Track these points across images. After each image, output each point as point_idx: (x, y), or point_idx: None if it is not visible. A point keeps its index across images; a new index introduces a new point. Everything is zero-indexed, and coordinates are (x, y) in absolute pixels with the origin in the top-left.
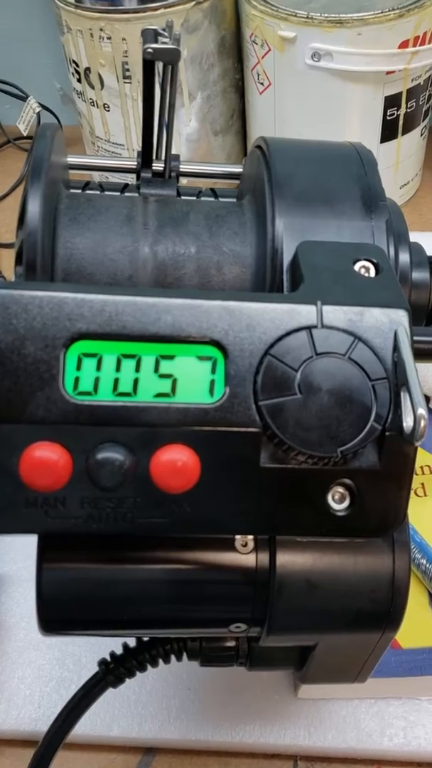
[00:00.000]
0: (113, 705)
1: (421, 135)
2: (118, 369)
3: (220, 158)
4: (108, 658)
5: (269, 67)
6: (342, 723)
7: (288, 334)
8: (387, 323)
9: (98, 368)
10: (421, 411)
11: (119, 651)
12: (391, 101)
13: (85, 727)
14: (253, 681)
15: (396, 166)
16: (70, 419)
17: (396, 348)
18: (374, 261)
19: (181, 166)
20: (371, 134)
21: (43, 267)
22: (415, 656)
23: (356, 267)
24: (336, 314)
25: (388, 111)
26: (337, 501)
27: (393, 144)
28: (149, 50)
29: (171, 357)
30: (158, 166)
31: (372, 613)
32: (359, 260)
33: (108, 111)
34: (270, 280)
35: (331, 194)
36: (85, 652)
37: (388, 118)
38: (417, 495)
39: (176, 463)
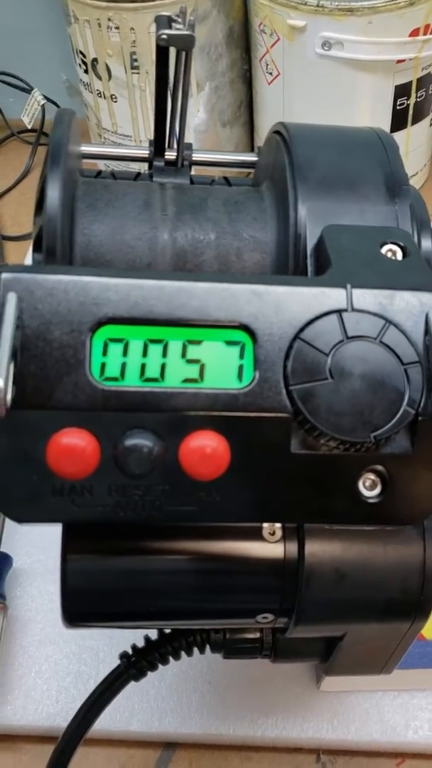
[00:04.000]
0: (132, 699)
1: (431, 125)
2: (144, 354)
3: (228, 149)
4: (130, 651)
5: (278, 56)
6: (365, 716)
7: (318, 317)
8: (418, 306)
9: (125, 353)
10: None
11: (139, 644)
12: (402, 90)
13: (104, 722)
14: (274, 674)
15: (405, 156)
16: (97, 405)
17: (427, 331)
18: (401, 244)
19: (193, 155)
20: (381, 124)
21: (62, 253)
22: None
23: (383, 250)
24: (366, 297)
25: (398, 100)
26: (369, 488)
27: (402, 134)
28: (163, 36)
29: (198, 342)
30: (170, 154)
31: (402, 603)
32: (386, 243)
33: (115, 102)
34: (293, 265)
35: (353, 178)
36: (103, 646)
37: (398, 107)
38: None
39: (205, 449)
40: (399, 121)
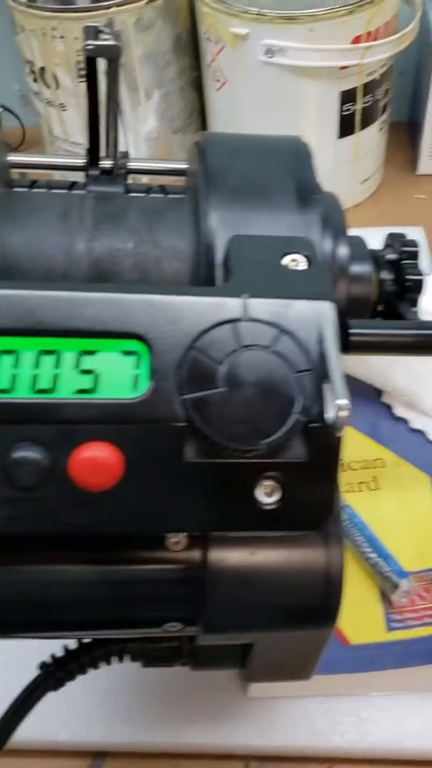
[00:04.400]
0: (61, 708)
1: (380, 130)
2: (37, 365)
3: (180, 156)
4: (49, 660)
5: (224, 64)
6: (292, 721)
7: (212, 327)
8: (313, 315)
9: (16, 365)
10: (342, 402)
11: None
12: (347, 96)
13: (31, 732)
14: (204, 681)
15: (355, 161)
16: None
17: (321, 340)
18: (304, 254)
19: (129, 164)
20: (328, 129)
21: None
22: (365, 652)
23: (286, 260)
24: (261, 307)
25: (344, 106)
26: (267, 495)
27: (351, 139)
28: (90, 47)
29: (93, 352)
30: (107, 163)
31: (307, 609)
32: (289, 253)
33: (65, 110)
34: (205, 275)
35: (265, 187)
36: (36, 654)
37: (344, 113)
38: (369, 489)
39: (96, 460)
40: (346, 126)
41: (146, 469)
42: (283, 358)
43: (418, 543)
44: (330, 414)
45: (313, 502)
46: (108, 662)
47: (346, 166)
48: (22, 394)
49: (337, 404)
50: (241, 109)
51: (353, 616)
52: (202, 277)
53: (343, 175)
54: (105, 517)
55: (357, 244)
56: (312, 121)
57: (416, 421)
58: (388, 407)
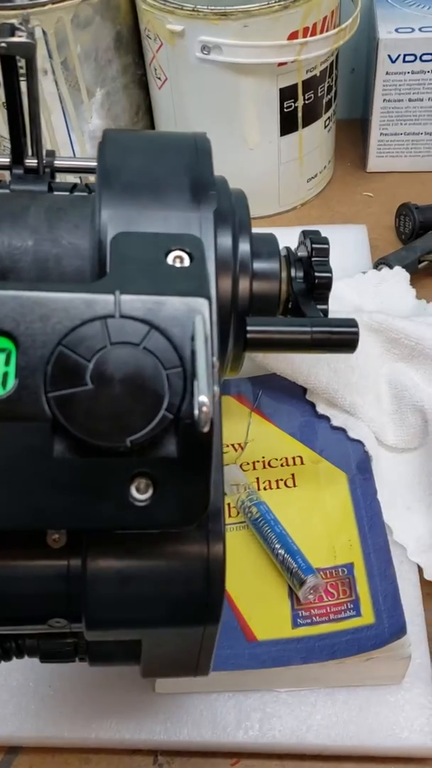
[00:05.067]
0: None
1: (326, 127)
2: None
3: None
4: None
5: (164, 61)
6: (199, 717)
7: (82, 324)
8: (185, 312)
9: None
10: (203, 398)
11: None
12: (288, 93)
13: None
14: (115, 676)
15: (300, 159)
16: None
17: (193, 336)
18: (188, 251)
19: (55, 162)
20: (270, 127)
21: None
22: (271, 647)
23: (170, 257)
24: (134, 304)
25: (285, 103)
26: (141, 491)
27: (294, 137)
28: (3, 45)
29: None
30: (31, 162)
31: (189, 606)
32: (173, 250)
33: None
34: (99, 272)
35: (158, 184)
36: None
37: (285, 110)
38: (286, 486)
39: None
40: (288, 123)
41: (14, 466)
42: (152, 354)
43: (330, 540)
44: (196, 410)
45: (186, 499)
46: (7, 658)
47: (291, 164)
48: None
49: (200, 401)
50: (182, 108)
51: (261, 613)
52: (99, 274)
53: (288, 173)
54: None
55: (266, 241)
56: (253, 119)
57: (337, 419)
58: (312, 405)
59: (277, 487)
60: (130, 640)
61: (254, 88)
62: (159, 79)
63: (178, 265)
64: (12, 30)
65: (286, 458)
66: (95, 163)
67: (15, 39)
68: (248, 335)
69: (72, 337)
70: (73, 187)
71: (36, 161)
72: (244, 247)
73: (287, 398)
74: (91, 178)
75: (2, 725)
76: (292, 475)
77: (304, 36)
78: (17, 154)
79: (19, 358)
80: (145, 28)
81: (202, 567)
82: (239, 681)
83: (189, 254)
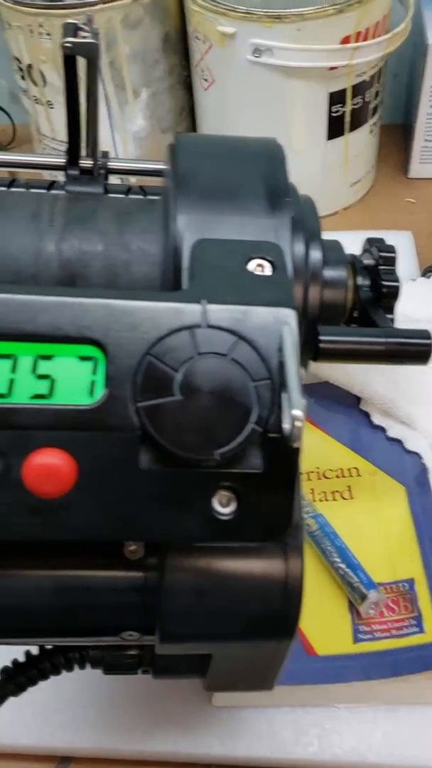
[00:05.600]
0: (25, 712)
1: (371, 132)
2: None
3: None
4: (11, 665)
5: (212, 63)
6: (257, 731)
7: (170, 333)
8: (272, 322)
9: None
10: (297, 412)
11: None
12: (336, 98)
13: None
14: (171, 689)
15: (345, 163)
16: None
17: (281, 348)
18: (269, 259)
19: (109, 163)
20: (317, 131)
21: None
22: (332, 663)
23: (251, 265)
24: (220, 313)
25: (333, 108)
26: (224, 505)
27: (340, 141)
28: (68, 44)
29: (49, 357)
30: (86, 163)
31: (266, 621)
32: (254, 258)
33: (52, 108)
34: (173, 279)
35: (234, 190)
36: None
37: (333, 114)
38: (343, 498)
39: (49, 467)
40: (336, 128)
41: (100, 476)
42: (240, 366)
43: (390, 554)
44: (287, 425)
45: (270, 513)
46: (69, 669)
47: (336, 169)
48: None
49: (292, 415)
50: (229, 109)
51: (321, 627)
52: (172, 281)
53: (332, 178)
54: (58, 524)
55: (333, 248)
56: (300, 123)
57: (393, 430)
58: (367, 415)
59: (333, 499)
60: (196, 654)
61: (304, 92)
62: (206, 80)
63: (259, 273)
64: (75, 30)
65: (342, 469)
66: (150, 165)
67: (79, 39)
68: (321, 345)
69: (160, 347)
70: (128, 190)
71: (91, 162)
72: (316, 254)
73: (341, 407)
74: (132, 179)
75: (57, 734)
76: (349, 486)
77: (357, 41)
78: (74, 154)
79: (108, 368)
80: (194, 30)
81: (281, 582)
82: (298, 696)
83: (270, 262)
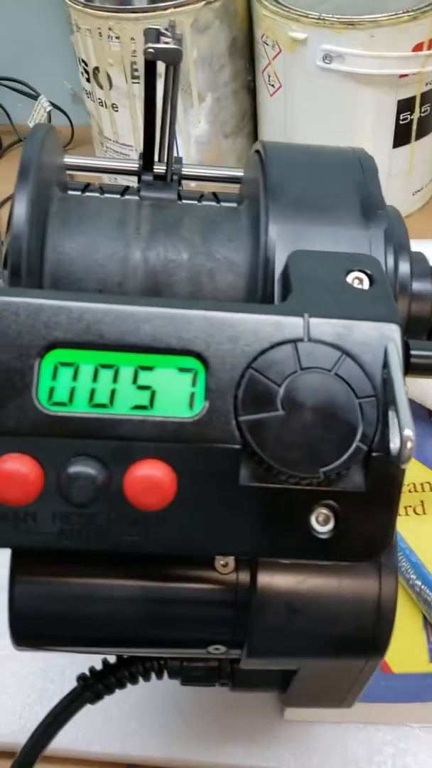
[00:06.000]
0: (95, 720)
1: None
2: (95, 379)
3: (230, 161)
4: (88, 673)
5: (280, 68)
6: (328, 748)
7: (272, 347)
8: (377, 338)
9: (75, 378)
10: (408, 432)
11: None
12: (405, 105)
13: (65, 741)
14: (240, 700)
15: (409, 171)
16: (42, 431)
17: (386, 364)
18: (368, 272)
19: (183, 169)
20: (383, 138)
21: (29, 272)
22: (407, 681)
23: (349, 278)
24: (323, 327)
25: (401, 115)
26: (321, 523)
27: (406, 149)
28: (150, 50)
29: (150, 368)
30: (160, 168)
31: (356, 640)
32: (352, 271)
33: (116, 111)
34: (262, 290)
35: (327, 201)
36: (70, 663)
37: (401, 122)
38: (416, 513)
39: (151, 479)
40: (402, 136)
41: (199, 490)
42: (345, 382)
43: None
44: (395, 444)
45: (369, 534)
46: (147, 678)
47: (400, 177)
48: (80, 408)
49: (405, 435)
50: (295, 115)
51: (396, 644)
52: (259, 291)
53: (395, 186)
54: (156, 537)
55: (418, 260)
56: (367, 130)
57: None
58: None
59: (406, 514)
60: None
61: (372, 99)
62: (272, 86)
63: (357, 286)
64: (157, 35)
65: (414, 484)
66: (225, 172)
67: (162, 45)
68: (412, 360)
69: (262, 360)
70: (201, 196)
71: (164, 168)
72: (404, 267)
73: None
74: (193, 185)
75: (126, 742)
76: (422, 501)
77: (429, 48)
78: (148, 159)
79: (209, 380)
80: (263, 35)
81: (374, 602)
82: (372, 713)
83: (369, 276)
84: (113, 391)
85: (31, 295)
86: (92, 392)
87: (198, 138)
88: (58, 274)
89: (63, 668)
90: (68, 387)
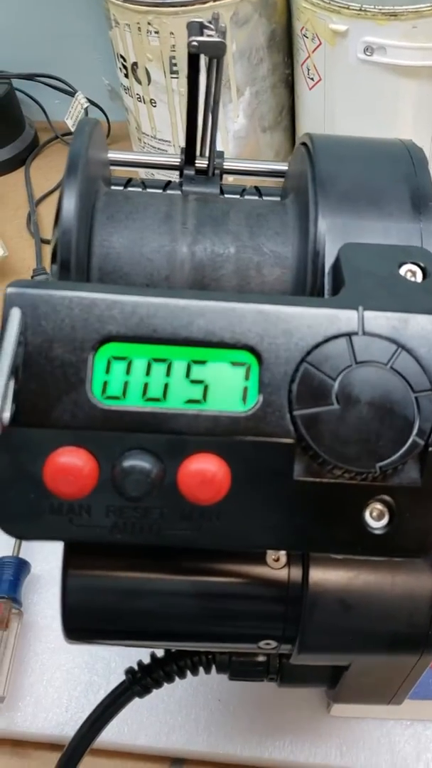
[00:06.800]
0: (141, 713)
1: None
2: (148, 373)
3: (268, 155)
4: (135, 667)
5: (320, 61)
6: (376, 744)
7: (326, 341)
8: None
9: (128, 372)
10: None
11: (148, 659)
12: None
13: (112, 734)
14: (285, 695)
15: None
16: (96, 424)
17: None
18: (421, 265)
19: (225, 164)
20: (425, 131)
21: (77, 266)
22: None
23: (402, 271)
24: (378, 321)
25: None
26: (375, 518)
27: None
28: (194, 43)
29: (203, 362)
30: (202, 163)
31: (409, 636)
32: (405, 263)
33: (155, 107)
34: (311, 283)
35: (377, 194)
36: (115, 657)
37: None
38: None
39: (205, 473)
40: None
41: (253, 484)
42: (401, 376)
43: None
44: None
45: (424, 529)
46: (195, 673)
47: None
48: (133, 402)
49: None
50: (334, 109)
51: None
52: (308, 284)
53: None
54: (209, 531)
55: None
56: (407, 122)
57: None
58: None
59: None
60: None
61: (414, 91)
62: (311, 79)
63: (410, 279)
64: (201, 28)
65: None
66: (268, 166)
67: (206, 38)
68: None
69: (316, 354)
70: (243, 191)
71: (206, 162)
72: None
73: None
74: (230, 179)
75: (170, 737)
76: None
77: None
78: (190, 154)
79: (263, 374)
80: (302, 27)
81: (428, 598)
82: (419, 710)
83: (422, 268)
84: (166, 385)
85: (85, 289)
86: (145, 386)
87: (236, 132)
88: (106, 268)
89: (108, 661)
90: (122, 381)
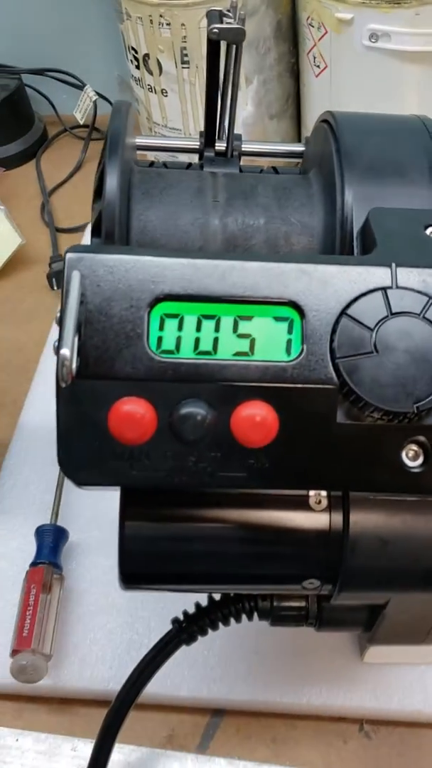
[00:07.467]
0: (182, 666)
1: None
2: (198, 329)
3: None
4: (181, 617)
5: (326, 49)
6: (408, 687)
7: (363, 294)
8: None
9: (180, 328)
10: None
11: (190, 611)
12: None
13: (155, 688)
14: (319, 645)
15: None
16: (154, 376)
17: None
18: None
19: (242, 146)
20: (429, 114)
21: (120, 238)
22: None
23: (428, 231)
24: (410, 275)
25: None
26: (411, 458)
27: None
28: (215, 30)
29: (249, 318)
30: (220, 145)
31: None
32: (430, 225)
33: (166, 96)
34: (340, 247)
35: (399, 164)
36: (155, 616)
37: None
38: None
39: (255, 417)
40: None
41: (299, 428)
42: None
43: None
44: None
45: None
46: (238, 619)
47: None
48: (186, 355)
49: None
50: (340, 96)
51: None
52: (336, 250)
53: None
54: (260, 472)
55: None
56: (412, 108)
57: None
58: None
59: None
60: (365, 605)
61: (419, 77)
62: (317, 67)
63: None
64: (220, 16)
65: None
66: (284, 147)
67: (226, 25)
68: None
69: (354, 307)
70: (260, 171)
71: (225, 145)
72: None
73: None
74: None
75: (211, 688)
76: None
77: None
78: (210, 137)
79: (305, 327)
80: (308, 17)
81: None
82: None
83: None
84: (216, 339)
85: (139, 253)
86: (197, 341)
87: (244, 120)
88: (143, 240)
89: (148, 620)
90: (174, 336)
